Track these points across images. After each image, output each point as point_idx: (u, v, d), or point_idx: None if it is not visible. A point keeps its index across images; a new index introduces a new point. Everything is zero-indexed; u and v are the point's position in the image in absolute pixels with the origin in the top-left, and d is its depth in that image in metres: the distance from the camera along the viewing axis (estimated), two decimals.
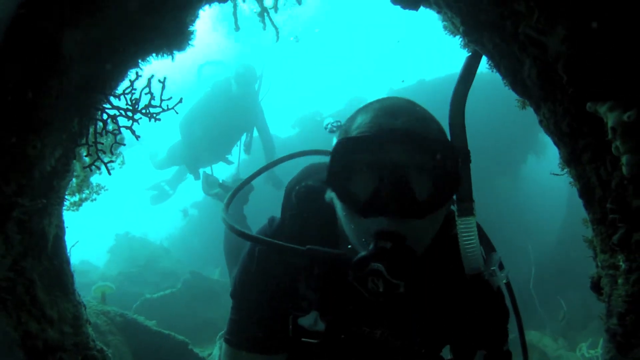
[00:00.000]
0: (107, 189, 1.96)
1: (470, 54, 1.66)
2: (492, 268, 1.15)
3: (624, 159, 1.38)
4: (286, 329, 1.14)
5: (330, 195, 1.08)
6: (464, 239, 1.13)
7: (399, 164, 0.97)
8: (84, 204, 2.05)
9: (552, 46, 1.43)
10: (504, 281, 1.21)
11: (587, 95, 1.44)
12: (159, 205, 9.24)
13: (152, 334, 4.14)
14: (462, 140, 1.21)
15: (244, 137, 6.75)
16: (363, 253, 0.97)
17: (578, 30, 1.31)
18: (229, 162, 7.09)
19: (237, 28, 2.47)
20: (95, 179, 1.97)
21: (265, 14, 2.34)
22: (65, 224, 1.76)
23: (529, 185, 8.19)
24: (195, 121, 6.69)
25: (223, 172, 7.49)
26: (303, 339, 1.10)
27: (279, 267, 1.15)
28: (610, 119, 1.34)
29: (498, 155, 6.82)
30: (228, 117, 6.46)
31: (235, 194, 1.46)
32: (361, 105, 1.17)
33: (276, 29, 2.47)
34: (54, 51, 1.15)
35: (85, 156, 1.56)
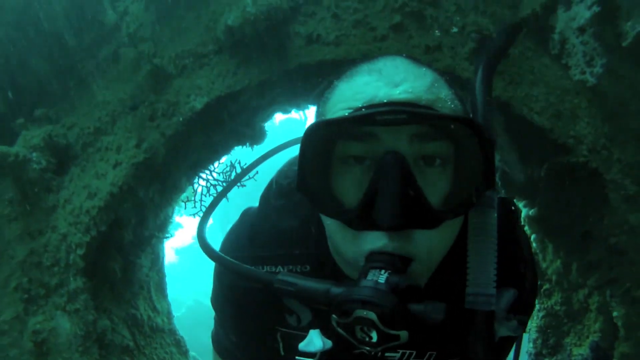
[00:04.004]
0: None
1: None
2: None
3: (531, 238, 2.26)
4: (272, 344, 0.97)
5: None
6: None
7: (401, 154, 0.69)
8: None
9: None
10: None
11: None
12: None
13: None
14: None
15: None
16: (340, 291, 0.71)
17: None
18: None
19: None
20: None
21: None
22: None
23: None
24: None
25: None
26: (297, 358, 0.90)
27: (246, 289, 0.92)
28: (523, 212, 2.22)
29: None
30: None
31: (213, 209, 1.25)
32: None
33: None
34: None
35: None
